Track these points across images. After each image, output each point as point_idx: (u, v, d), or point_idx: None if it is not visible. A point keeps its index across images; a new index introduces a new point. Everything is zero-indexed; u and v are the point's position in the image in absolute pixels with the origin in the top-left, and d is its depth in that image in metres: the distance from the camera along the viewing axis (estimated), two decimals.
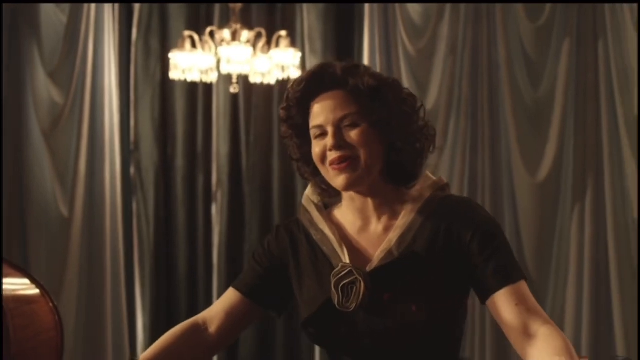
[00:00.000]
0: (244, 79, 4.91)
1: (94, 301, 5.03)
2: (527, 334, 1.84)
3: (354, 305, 1.87)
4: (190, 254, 5.33)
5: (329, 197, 2.07)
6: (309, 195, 2.07)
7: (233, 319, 2.03)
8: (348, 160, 1.91)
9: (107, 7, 5.16)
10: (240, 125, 5.34)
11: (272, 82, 4.85)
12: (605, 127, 4.99)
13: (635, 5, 4.81)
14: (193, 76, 4.76)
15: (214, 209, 5.32)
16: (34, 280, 2.45)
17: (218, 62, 4.81)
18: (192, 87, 5.25)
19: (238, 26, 4.75)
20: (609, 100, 4.98)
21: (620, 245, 4.85)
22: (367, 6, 5.06)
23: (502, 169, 4.94)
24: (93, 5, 5.08)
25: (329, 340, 1.98)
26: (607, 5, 4.83)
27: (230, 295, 2.04)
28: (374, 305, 1.88)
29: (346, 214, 2.03)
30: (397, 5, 5.05)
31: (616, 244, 4.85)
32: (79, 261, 4.96)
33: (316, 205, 2.06)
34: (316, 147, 1.94)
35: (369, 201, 1.98)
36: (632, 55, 4.84)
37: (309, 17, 5.24)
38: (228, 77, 4.96)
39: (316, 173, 2.01)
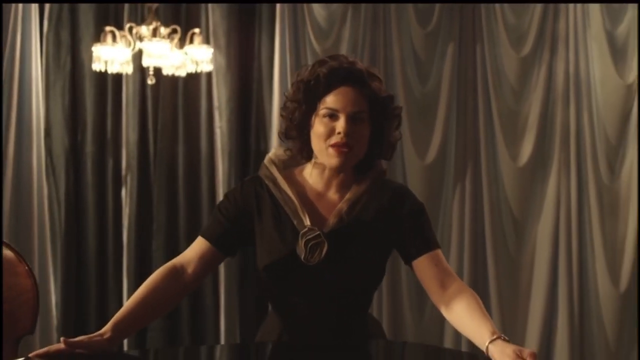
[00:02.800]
0: (152, 71, 5.00)
1: None
2: (443, 287, 2.22)
3: (316, 260, 2.20)
4: (100, 234, 5.42)
5: (293, 160, 2.32)
6: (271, 157, 2.33)
7: (204, 263, 2.30)
8: (347, 148, 2.20)
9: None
10: (148, 114, 5.43)
11: (183, 74, 5.05)
12: (482, 118, 5.32)
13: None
14: (114, 68, 4.90)
15: (124, 191, 5.39)
16: (8, 246, 2.55)
17: (136, 55, 4.97)
18: (101, 78, 5.35)
19: (158, 23, 4.95)
20: (485, 95, 5.31)
21: (494, 218, 5.27)
22: (278, 9, 5.26)
23: (396, 153, 5.16)
24: None
25: (284, 283, 2.27)
26: (483, 15, 5.23)
27: (200, 244, 2.31)
28: (329, 259, 2.21)
29: (310, 176, 2.31)
30: (305, 9, 5.26)
31: (490, 217, 5.26)
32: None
33: (277, 167, 2.31)
34: (322, 126, 2.21)
35: (336, 175, 2.29)
36: (504, 57, 5.25)
37: (213, 15, 5.36)
38: (138, 69, 5.12)
39: (300, 138, 2.27)
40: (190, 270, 2.28)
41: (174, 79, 5.30)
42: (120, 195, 5.45)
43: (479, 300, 2.19)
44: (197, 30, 5.03)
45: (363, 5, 5.31)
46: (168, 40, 4.97)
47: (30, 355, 2.06)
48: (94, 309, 5.41)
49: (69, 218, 5.39)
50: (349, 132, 2.19)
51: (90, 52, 5.23)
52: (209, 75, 5.38)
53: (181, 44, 5.05)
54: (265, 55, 5.45)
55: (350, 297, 2.29)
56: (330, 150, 2.20)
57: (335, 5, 5.32)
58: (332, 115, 2.21)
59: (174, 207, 5.46)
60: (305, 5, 5.29)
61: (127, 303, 2.20)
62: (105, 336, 2.12)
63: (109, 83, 5.44)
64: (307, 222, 2.23)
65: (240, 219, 2.31)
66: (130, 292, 5.31)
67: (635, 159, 5.07)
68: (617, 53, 5.11)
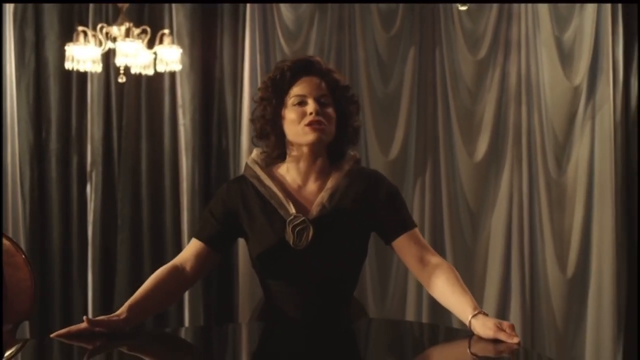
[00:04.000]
0: (117, 69, 5.11)
1: None
2: (423, 263, 2.42)
3: (304, 244, 2.39)
4: (64, 229, 5.49)
5: (270, 158, 2.51)
6: (254, 157, 2.52)
7: (200, 261, 2.47)
8: (320, 125, 2.41)
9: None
10: (112, 111, 5.51)
11: (151, 73, 5.15)
12: (441, 117, 5.52)
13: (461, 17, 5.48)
14: (86, 67, 4.98)
15: (89, 187, 5.47)
16: (5, 236, 2.69)
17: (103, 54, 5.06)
18: (66, 76, 5.42)
19: (131, 24, 5.06)
20: (444, 95, 5.51)
21: (452, 210, 5.49)
22: (248, 11, 5.38)
23: (361, 149, 5.32)
24: None
25: (275, 269, 2.45)
26: (442, 20, 5.43)
27: (195, 244, 2.48)
28: (315, 244, 2.40)
29: (289, 172, 2.48)
30: (275, 12, 5.40)
31: (448, 209, 5.48)
32: None
33: (260, 166, 2.50)
34: (293, 113, 2.42)
35: (312, 165, 2.47)
36: (461, 60, 5.46)
37: (177, 16, 5.46)
38: (103, 68, 5.17)
39: (274, 133, 2.46)
40: (188, 268, 2.46)
41: (138, 77, 5.38)
42: (85, 191, 5.51)
43: (456, 274, 2.38)
44: (166, 31, 5.15)
45: (329, 10, 5.48)
46: (140, 40, 5.08)
47: (51, 335, 2.21)
48: (58, 301, 5.49)
49: (33, 212, 5.43)
50: (319, 112, 2.41)
51: (55, 51, 5.35)
52: (172, 74, 5.47)
53: (149, 44, 5.14)
54: (227, 55, 5.55)
55: (335, 280, 2.47)
56: (306, 128, 2.41)
57: (302, 9, 5.47)
58: (301, 102, 2.42)
59: (137, 202, 5.57)
60: (274, 7, 5.43)
61: (138, 292, 2.38)
62: (122, 316, 2.28)
63: (74, 81, 5.49)
64: (292, 210, 2.41)
65: (228, 218, 2.48)
66: (95, 284, 5.46)
67: (580, 156, 5.40)
68: (564, 58, 5.41)
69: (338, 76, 2.51)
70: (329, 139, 2.46)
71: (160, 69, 5.17)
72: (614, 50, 5.37)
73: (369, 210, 2.47)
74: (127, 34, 5.10)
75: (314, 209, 2.43)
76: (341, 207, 2.44)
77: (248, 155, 5.29)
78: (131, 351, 2.27)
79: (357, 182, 2.48)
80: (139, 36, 5.13)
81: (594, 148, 5.39)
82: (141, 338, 2.41)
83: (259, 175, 2.48)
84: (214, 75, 5.65)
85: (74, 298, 5.51)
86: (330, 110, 2.45)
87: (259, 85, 2.54)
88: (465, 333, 2.27)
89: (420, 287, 5.39)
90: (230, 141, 5.58)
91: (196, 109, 5.54)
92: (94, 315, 5.27)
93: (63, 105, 5.50)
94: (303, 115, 2.42)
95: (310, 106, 2.41)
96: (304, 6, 5.49)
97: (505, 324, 2.16)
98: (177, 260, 2.48)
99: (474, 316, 2.23)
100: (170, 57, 5.14)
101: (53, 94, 5.49)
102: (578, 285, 5.42)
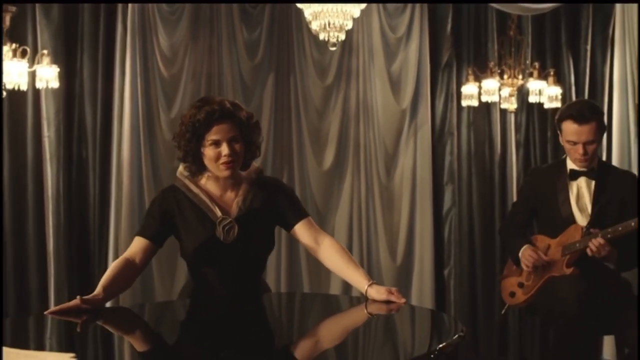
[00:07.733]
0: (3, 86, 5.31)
1: None
2: (318, 244, 2.96)
3: (231, 239, 2.89)
4: None
5: (193, 174, 2.97)
6: (181, 171, 2.98)
7: (145, 254, 2.92)
8: (232, 163, 2.86)
9: None
10: None
11: (25, 89, 5.41)
12: (295, 133, 6.21)
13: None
14: None
15: None
16: None
17: None
18: None
19: (17, 45, 5.42)
20: (297, 115, 6.21)
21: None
22: (129, 38, 5.83)
23: None
24: None
25: (206, 259, 2.90)
26: (296, 52, 6.17)
27: (140, 241, 2.93)
28: (238, 238, 2.89)
29: (210, 184, 2.97)
30: (154, 39, 5.89)
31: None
32: None
33: (187, 178, 2.97)
34: (211, 152, 2.85)
35: (227, 180, 2.97)
36: (311, 85, 6.19)
37: (41, 36, 5.75)
38: None
39: (195, 162, 2.90)
40: (137, 260, 2.92)
41: (21, 94, 5.64)
42: None
43: (347, 251, 2.98)
44: (45, 51, 5.56)
45: (201, 39, 6.09)
46: (25, 60, 5.45)
47: (45, 312, 2.58)
48: None
49: None
50: (230, 153, 2.87)
51: None
52: (36, 90, 5.70)
53: (32, 64, 5.51)
54: (87, 73, 5.95)
55: (250, 263, 2.98)
56: (221, 166, 2.88)
57: (177, 37, 6.04)
58: (216, 143, 2.86)
59: (21, 210, 5.86)
60: (153, 34, 5.94)
61: (104, 278, 2.79)
62: (100, 296, 2.73)
63: None
64: (219, 212, 2.91)
65: (165, 217, 2.95)
66: None
67: (405, 165, 6.44)
68: (394, 85, 6.42)
69: (242, 113, 2.90)
70: (238, 167, 2.93)
71: (40, 85, 5.54)
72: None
73: (273, 208, 2.99)
74: (15, 54, 5.46)
75: (234, 210, 2.92)
76: (253, 208, 2.96)
77: (115, 164, 5.90)
78: (113, 321, 2.77)
79: (262, 188, 3.01)
80: (19, 55, 5.46)
81: (416, 159, 6.43)
82: (118, 312, 2.92)
83: (188, 185, 2.95)
84: (75, 92, 6.00)
85: None
86: (239, 145, 2.87)
87: (177, 129, 2.98)
88: (357, 300, 2.90)
89: (278, 263, 6.13)
90: (90, 152, 5.99)
91: (60, 122, 5.88)
92: None
93: None
94: (219, 155, 2.84)
95: (224, 149, 2.83)
96: (179, 34, 6.05)
97: (393, 289, 2.74)
98: (127, 254, 2.90)
99: (369, 285, 2.79)
100: (48, 75, 5.54)
101: None
102: (405, 271, 6.43)
